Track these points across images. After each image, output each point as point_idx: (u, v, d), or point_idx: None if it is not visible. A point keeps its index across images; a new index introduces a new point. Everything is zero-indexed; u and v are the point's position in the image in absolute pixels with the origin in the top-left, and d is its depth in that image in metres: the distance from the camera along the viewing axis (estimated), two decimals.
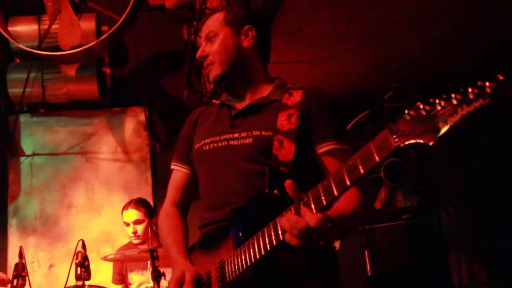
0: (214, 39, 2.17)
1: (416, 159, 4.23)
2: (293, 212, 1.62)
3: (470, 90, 1.19)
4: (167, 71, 6.33)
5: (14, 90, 5.74)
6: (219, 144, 2.10)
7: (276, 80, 2.22)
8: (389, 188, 4.43)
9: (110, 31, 5.31)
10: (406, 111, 1.30)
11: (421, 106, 1.27)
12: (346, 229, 1.90)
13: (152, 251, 3.85)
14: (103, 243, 5.71)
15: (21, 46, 5.38)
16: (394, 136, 1.31)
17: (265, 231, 1.73)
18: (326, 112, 2.05)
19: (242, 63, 2.16)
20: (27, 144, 6.04)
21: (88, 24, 5.65)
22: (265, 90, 2.17)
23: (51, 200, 5.92)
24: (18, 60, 5.94)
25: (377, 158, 1.36)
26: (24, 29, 5.77)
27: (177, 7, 5.75)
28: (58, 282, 5.49)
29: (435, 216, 4.15)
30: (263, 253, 1.73)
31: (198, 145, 2.18)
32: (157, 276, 3.74)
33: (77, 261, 4.01)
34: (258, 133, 2.03)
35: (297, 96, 2.08)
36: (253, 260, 1.77)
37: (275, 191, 1.81)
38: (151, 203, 5.10)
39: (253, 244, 1.77)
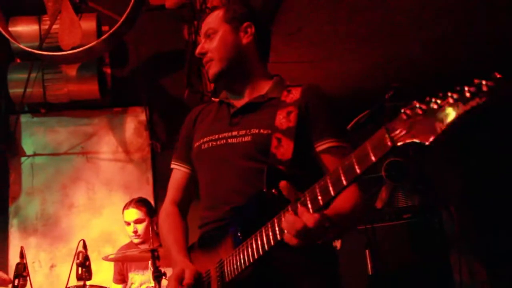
0: (213, 36, 2.17)
1: (414, 156, 4.23)
2: (290, 212, 1.62)
3: (466, 88, 1.18)
4: (167, 71, 6.33)
5: (15, 90, 5.74)
6: (218, 142, 2.10)
7: (275, 77, 2.22)
8: (390, 187, 4.44)
9: (111, 31, 5.31)
10: (402, 110, 1.29)
11: (418, 105, 1.26)
12: (344, 228, 1.89)
13: (153, 251, 3.86)
14: (104, 243, 5.72)
15: (21, 46, 5.38)
16: (391, 136, 1.31)
17: (263, 231, 1.73)
18: (324, 109, 2.04)
19: (241, 60, 2.16)
20: (28, 144, 6.04)
21: (88, 24, 5.65)
22: (264, 87, 2.17)
23: (52, 200, 5.92)
24: (18, 60, 5.94)
25: (373, 158, 1.36)
26: (24, 29, 5.76)
27: (177, 7, 5.75)
28: (59, 282, 5.49)
29: (436, 215, 4.15)
30: (261, 253, 1.73)
31: (197, 143, 2.18)
32: (158, 276, 3.74)
33: (78, 261, 4.01)
34: (257, 131, 2.03)
35: (295, 93, 2.07)
36: (251, 260, 1.77)
37: (273, 190, 1.81)
38: (152, 203, 5.10)
39: (251, 244, 1.78)
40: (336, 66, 5.03)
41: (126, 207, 4.68)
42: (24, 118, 6.09)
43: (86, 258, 4.04)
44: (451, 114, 1.20)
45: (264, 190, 1.87)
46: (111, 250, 5.37)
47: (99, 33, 5.72)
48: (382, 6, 4.05)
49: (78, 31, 5.24)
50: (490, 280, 5.13)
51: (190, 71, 5.56)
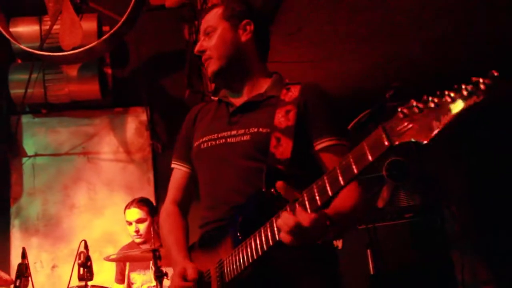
0: (212, 34, 2.16)
1: (415, 156, 4.23)
2: (288, 211, 1.62)
3: (463, 87, 1.18)
4: (168, 71, 6.33)
5: (16, 91, 5.74)
6: (217, 142, 2.09)
7: (274, 75, 2.21)
8: (391, 187, 4.44)
9: (111, 31, 5.31)
10: (399, 109, 1.28)
11: (415, 104, 1.25)
12: (345, 227, 1.88)
13: (154, 251, 3.86)
14: (105, 243, 5.72)
15: (22, 47, 5.38)
16: (388, 135, 1.30)
17: (262, 231, 1.73)
18: (323, 108, 2.03)
19: (240, 57, 2.15)
20: (29, 144, 6.04)
21: (89, 25, 5.64)
22: (263, 86, 2.16)
23: (53, 201, 5.92)
24: (19, 61, 5.93)
25: (370, 158, 1.35)
26: (25, 29, 5.76)
27: (178, 7, 5.75)
28: (61, 283, 5.49)
29: (438, 214, 4.15)
30: (260, 253, 1.73)
31: (196, 143, 2.17)
32: (159, 276, 3.75)
33: (79, 261, 4.02)
34: (256, 130, 2.02)
35: (294, 92, 2.06)
36: (250, 260, 1.77)
37: (272, 190, 1.80)
38: (154, 203, 5.11)
39: (250, 244, 1.78)
40: (336, 66, 5.04)
41: (127, 206, 4.69)
42: (25, 119, 6.09)
43: (88, 258, 4.05)
44: (448, 113, 1.19)
45: (263, 190, 1.87)
46: (112, 251, 5.37)
47: (100, 33, 5.72)
48: (382, 6, 4.05)
49: (79, 32, 5.24)
50: (493, 279, 5.13)
51: (191, 71, 5.57)
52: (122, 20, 5.24)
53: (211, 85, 4.99)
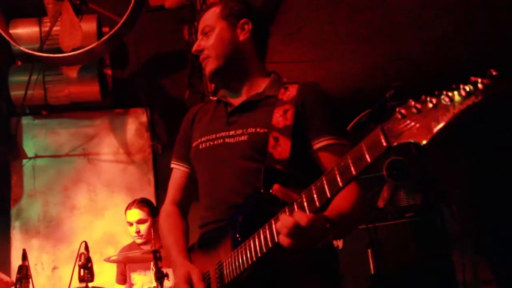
0: (210, 33, 2.15)
1: (416, 156, 4.23)
2: (287, 214, 1.61)
3: (462, 87, 1.16)
4: (168, 71, 6.33)
5: (16, 93, 5.74)
6: (215, 142, 2.09)
7: (272, 75, 2.20)
8: (391, 186, 4.43)
9: (111, 32, 5.31)
10: (397, 110, 1.27)
11: (413, 104, 1.24)
12: (345, 228, 1.85)
13: (155, 252, 3.87)
14: (106, 245, 5.72)
15: (22, 48, 5.39)
16: (386, 136, 1.29)
17: (261, 232, 1.72)
18: (321, 106, 2.01)
19: (238, 57, 2.14)
20: (29, 146, 6.04)
21: (89, 26, 5.64)
22: (261, 85, 2.15)
23: (54, 202, 5.92)
24: (19, 63, 5.94)
25: (368, 159, 1.34)
26: (25, 31, 5.76)
27: (177, 7, 5.75)
28: (61, 284, 5.49)
29: (438, 214, 4.15)
30: (259, 255, 1.72)
31: (195, 143, 2.17)
32: (160, 277, 3.75)
33: (80, 263, 4.02)
34: (253, 130, 2.01)
35: (292, 91, 2.05)
36: (249, 262, 1.76)
37: (271, 191, 1.78)
38: (154, 204, 5.11)
39: (250, 245, 1.77)
40: (336, 66, 5.04)
41: (128, 207, 4.70)
42: (25, 120, 6.09)
43: (88, 259, 4.05)
44: (447, 113, 1.18)
45: (262, 191, 1.86)
46: (113, 252, 5.37)
47: (100, 34, 5.72)
48: (382, 6, 4.05)
49: (78, 33, 5.24)
50: (494, 279, 5.13)
51: (191, 71, 5.57)
52: (122, 21, 5.24)
53: (211, 86, 4.99)
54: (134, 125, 6.18)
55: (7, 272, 5.27)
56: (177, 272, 2.06)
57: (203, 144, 2.12)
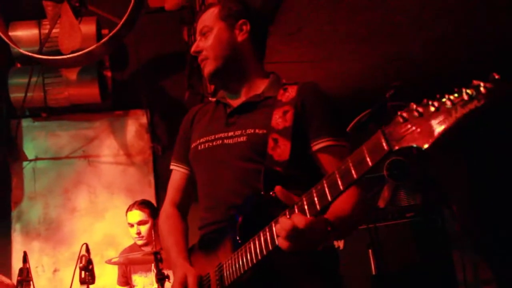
0: (208, 34, 2.14)
1: (417, 158, 4.23)
2: (287, 216, 1.60)
3: (464, 91, 1.15)
4: (168, 73, 6.33)
5: (16, 95, 5.74)
6: (214, 143, 2.08)
7: (271, 75, 2.19)
8: (392, 186, 4.43)
9: (110, 34, 5.31)
10: (399, 113, 1.26)
11: (414, 107, 1.23)
12: (345, 231, 1.85)
13: (156, 253, 3.86)
14: (107, 247, 5.72)
15: (21, 50, 5.39)
16: (387, 140, 1.28)
17: (261, 235, 1.72)
18: (321, 107, 2.01)
19: (236, 57, 2.13)
20: (29, 148, 6.04)
21: (88, 28, 5.65)
22: (260, 86, 2.14)
23: (54, 204, 5.92)
24: (19, 65, 5.93)
25: (370, 163, 1.33)
26: (24, 33, 5.76)
27: (177, 9, 5.75)
28: (62, 286, 5.50)
29: (439, 214, 4.14)
30: (259, 257, 1.72)
31: (194, 144, 2.16)
32: (161, 279, 3.75)
33: (81, 265, 4.02)
34: (252, 131, 2.00)
35: (292, 92, 2.04)
36: (249, 265, 1.76)
37: (271, 193, 1.77)
38: (155, 205, 5.11)
39: (250, 248, 1.76)
40: (336, 66, 5.03)
41: (129, 209, 4.70)
42: (25, 123, 6.09)
43: (89, 261, 4.04)
44: (449, 118, 1.16)
45: (262, 193, 1.86)
46: (114, 254, 5.37)
47: (99, 36, 5.72)
48: (382, 6, 4.05)
49: (78, 35, 5.24)
50: (495, 279, 5.13)
51: (191, 73, 5.56)
52: (121, 22, 5.25)
53: (211, 87, 4.99)
54: (134, 126, 6.18)
55: (8, 274, 5.27)
56: (175, 273, 2.06)
57: (202, 145, 2.12)
